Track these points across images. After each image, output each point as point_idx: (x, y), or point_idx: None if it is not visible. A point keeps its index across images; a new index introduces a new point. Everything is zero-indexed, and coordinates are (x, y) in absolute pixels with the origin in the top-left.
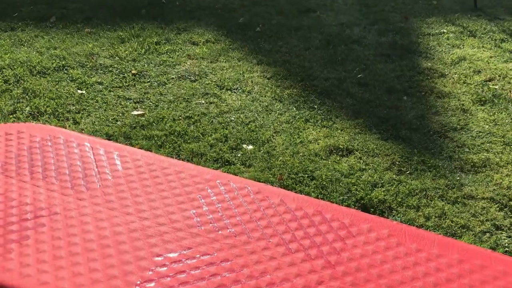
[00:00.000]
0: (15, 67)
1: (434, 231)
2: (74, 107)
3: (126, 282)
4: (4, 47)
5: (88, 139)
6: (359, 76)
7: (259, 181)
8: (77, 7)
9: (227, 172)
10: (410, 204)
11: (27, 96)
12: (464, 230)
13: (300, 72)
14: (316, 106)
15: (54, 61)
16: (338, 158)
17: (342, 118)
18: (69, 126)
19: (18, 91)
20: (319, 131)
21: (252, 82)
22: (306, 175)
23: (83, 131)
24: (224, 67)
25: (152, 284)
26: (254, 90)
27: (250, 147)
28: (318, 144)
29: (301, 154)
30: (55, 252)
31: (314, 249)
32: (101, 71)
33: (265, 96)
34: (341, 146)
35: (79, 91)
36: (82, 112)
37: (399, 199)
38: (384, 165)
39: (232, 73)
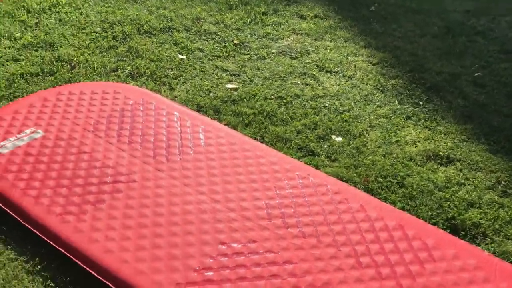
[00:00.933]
0: (125, 24)
1: None
2: (172, 72)
3: (185, 265)
4: (118, 2)
5: (178, 109)
6: (476, 74)
7: (342, 180)
8: None
9: (310, 164)
10: (509, 234)
11: (130, 55)
12: None
13: (410, 61)
14: (421, 103)
15: (161, 21)
16: (436, 167)
17: (448, 120)
18: (164, 91)
19: (123, 49)
20: (419, 132)
21: (355, 66)
22: (395, 181)
23: (176, 98)
24: (328, 46)
25: (211, 273)
26: (355, 76)
27: (340, 139)
28: (415, 147)
29: (394, 155)
30: (125, 221)
31: (387, 268)
32: (204, 38)
33: (366, 84)
34: (441, 153)
35: (180, 56)
36: (179, 78)
37: (497, 226)
38: (487, 182)
39: (336, 54)
